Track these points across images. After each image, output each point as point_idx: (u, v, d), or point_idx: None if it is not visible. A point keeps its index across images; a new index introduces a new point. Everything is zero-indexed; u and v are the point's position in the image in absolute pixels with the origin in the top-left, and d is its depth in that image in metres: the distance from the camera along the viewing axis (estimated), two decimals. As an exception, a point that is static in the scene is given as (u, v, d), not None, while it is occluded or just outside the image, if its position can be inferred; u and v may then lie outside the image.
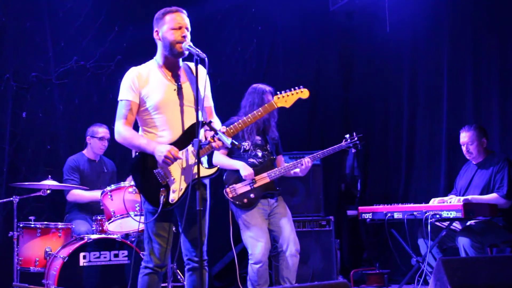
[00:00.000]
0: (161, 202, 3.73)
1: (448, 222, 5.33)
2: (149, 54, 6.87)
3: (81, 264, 4.98)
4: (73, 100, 6.40)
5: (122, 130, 3.84)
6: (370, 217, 5.60)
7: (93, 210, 5.70)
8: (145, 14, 6.66)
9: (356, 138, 5.25)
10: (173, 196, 3.78)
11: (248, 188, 5.11)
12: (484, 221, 5.31)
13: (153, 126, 3.87)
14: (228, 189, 5.15)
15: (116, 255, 5.10)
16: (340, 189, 7.64)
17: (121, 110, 3.88)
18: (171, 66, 3.95)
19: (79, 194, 5.73)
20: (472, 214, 5.09)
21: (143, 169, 3.81)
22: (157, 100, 3.84)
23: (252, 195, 5.11)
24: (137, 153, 3.87)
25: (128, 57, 6.62)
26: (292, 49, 7.68)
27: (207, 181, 3.99)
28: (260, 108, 4.14)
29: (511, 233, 5.30)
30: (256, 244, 5.08)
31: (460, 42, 6.66)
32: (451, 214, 5.07)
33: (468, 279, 3.79)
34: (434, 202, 5.42)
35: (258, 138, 5.25)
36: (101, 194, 5.35)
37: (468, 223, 5.38)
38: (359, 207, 5.76)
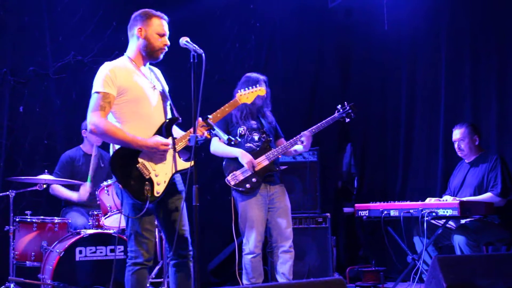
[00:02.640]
0: (148, 196, 3.73)
1: (444, 220, 5.33)
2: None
3: (77, 258, 4.98)
4: (70, 95, 6.39)
5: (102, 123, 3.76)
6: (367, 214, 5.60)
7: (89, 205, 5.70)
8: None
9: (348, 108, 5.30)
10: (158, 189, 3.80)
11: (249, 173, 5.14)
12: (479, 219, 5.32)
13: (128, 120, 3.85)
14: (229, 177, 5.19)
15: (112, 250, 5.10)
16: (336, 186, 7.64)
17: (97, 101, 3.80)
18: (143, 64, 4.01)
19: (58, 189, 5.76)
20: (469, 212, 5.09)
21: (125, 164, 3.77)
22: (136, 95, 3.86)
23: (254, 179, 5.15)
24: (116, 149, 3.82)
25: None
26: (291, 45, 7.67)
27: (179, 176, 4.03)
28: (226, 104, 4.22)
29: (506, 231, 5.30)
30: (249, 235, 5.15)
31: (458, 39, 6.66)
32: (447, 212, 5.07)
33: (464, 277, 3.80)
34: (431, 201, 5.43)
35: (253, 122, 5.29)
36: (98, 189, 5.36)
37: (464, 221, 5.39)
38: (356, 205, 5.77)
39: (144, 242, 3.83)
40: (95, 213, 5.40)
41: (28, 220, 5.20)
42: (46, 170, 5.39)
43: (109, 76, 3.83)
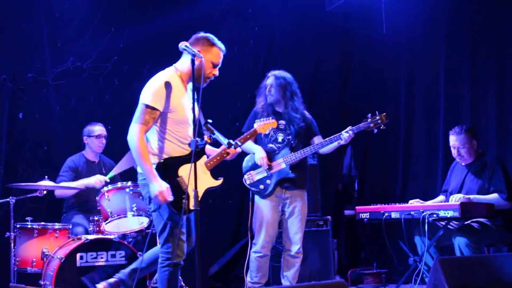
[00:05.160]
0: (185, 209, 3.94)
1: (445, 222, 5.31)
2: (145, 54, 6.89)
3: (78, 264, 4.96)
4: (69, 101, 6.39)
5: (140, 140, 3.93)
6: (368, 216, 5.59)
7: (90, 210, 5.69)
8: (141, 14, 6.71)
9: (377, 118, 5.07)
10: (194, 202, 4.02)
11: (264, 174, 5.16)
12: (481, 221, 5.29)
13: (176, 138, 4.05)
14: (245, 176, 5.27)
15: (113, 256, 5.09)
16: (337, 189, 7.64)
17: (143, 114, 3.95)
18: (187, 82, 4.15)
19: (63, 190, 5.68)
20: (469, 214, 5.06)
21: (167, 176, 3.99)
22: (181, 117, 4.04)
23: (268, 181, 5.16)
24: (162, 160, 4.01)
25: (125, 58, 6.63)
26: (289, 50, 7.68)
27: None
28: (247, 132, 4.61)
29: (508, 232, 5.28)
30: (259, 234, 5.19)
31: (456, 42, 6.67)
32: (448, 213, 5.05)
33: (466, 279, 3.79)
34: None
35: (281, 122, 5.27)
36: (98, 194, 5.35)
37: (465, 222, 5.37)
38: (357, 207, 5.75)
39: (181, 244, 4.04)
40: (96, 218, 5.40)
41: (29, 226, 5.19)
42: (46, 176, 5.37)
43: (161, 90, 3.97)
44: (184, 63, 4.10)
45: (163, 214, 4.01)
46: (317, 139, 5.37)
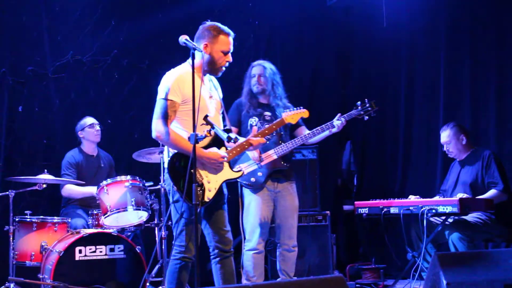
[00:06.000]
0: (199, 201, 3.86)
1: (443, 218, 5.31)
2: (144, 48, 6.86)
3: (77, 258, 4.98)
4: (69, 95, 6.39)
5: (167, 131, 3.95)
6: (366, 212, 5.58)
7: (89, 204, 5.70)
8: (142, 8, 6.70)
9: (368, 106, 5.05)
10: (209, 195, 4.02)
11: (255, 166, 5.04)
12: (475, 215, 5.30)
13: (188, 129, 3.99)
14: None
15: (112, 250, 5.09)
16: (336, 184, 7.64)
17: (163, 109, 3.99)
18: (203, 74, 4.14)
19: (72, 189, 5.72)
20: (468, 209, 5.07)
21: (180, 168, 3.96)
22: (202, 105, 3.94)
23: (259, 174, 5.09)
24: (173, 153, 3.99)
25: (125, 52, 6.62)
26: (289, 44, 7.67)
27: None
28: (273, 122, 4.63)
29: (504, 226, 5.28)
30: (253, 231, 5.08)
31: (457, 37, 6.66)
32: (447, 209, 5.05)
33: (464, 274, 3.80)
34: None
35: (267, 114, 5.20)
36: (97, 188, 5.35)
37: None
38: (356, 202, 5.75)
39: (193, 239, 3.96)
40: (95, 212, 5.41)
41: (28, 220, 5.20)
42: (45, 170, 5.38)
43: (175, 83, 4.00)
44: (197, 60, 4.07)
45: (179, 207, 4.01)
46: (302, 130, 5.30)
